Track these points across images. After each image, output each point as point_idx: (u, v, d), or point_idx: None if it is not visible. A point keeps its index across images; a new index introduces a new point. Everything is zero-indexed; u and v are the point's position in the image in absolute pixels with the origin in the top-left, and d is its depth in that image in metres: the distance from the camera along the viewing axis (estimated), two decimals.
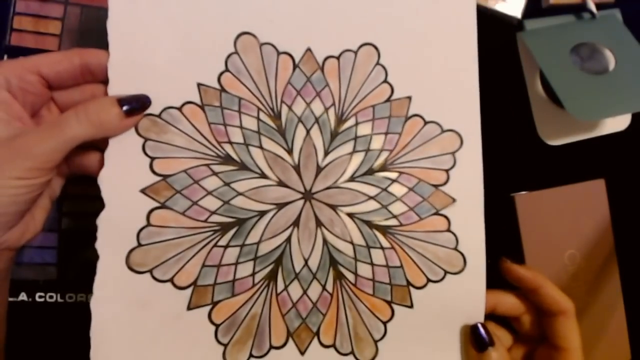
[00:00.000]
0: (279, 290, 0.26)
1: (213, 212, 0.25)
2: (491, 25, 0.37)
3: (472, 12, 0.28)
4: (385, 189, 0.27)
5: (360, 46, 0.27)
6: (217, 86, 0.26)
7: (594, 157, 0.38)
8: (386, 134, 0.27)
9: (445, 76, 0.28)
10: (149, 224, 0.24)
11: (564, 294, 0.29)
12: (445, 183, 0.27)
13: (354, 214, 0.26)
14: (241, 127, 0.26)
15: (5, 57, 0.32)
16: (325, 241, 0.26)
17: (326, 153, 0.26)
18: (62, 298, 0.32)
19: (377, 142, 0.27)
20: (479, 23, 0.32)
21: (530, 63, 0.38)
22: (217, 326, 0.25)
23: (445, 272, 0.27)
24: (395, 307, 0.26)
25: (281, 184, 0.26)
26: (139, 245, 0.24)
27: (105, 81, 0.25)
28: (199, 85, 0.25)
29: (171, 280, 0.25)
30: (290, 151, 0.26)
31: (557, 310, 0.28)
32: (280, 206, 0.26)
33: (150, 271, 0.24)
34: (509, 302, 0.29)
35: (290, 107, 0.26)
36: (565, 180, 0.37)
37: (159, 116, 0.25)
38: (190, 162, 0.25)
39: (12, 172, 0.22)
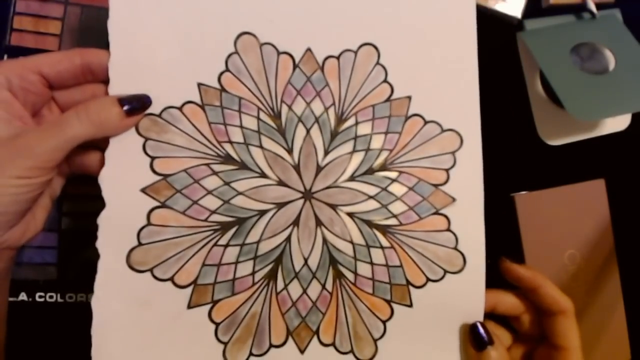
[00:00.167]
0: (278, 289, 0.26)
1: (213, 212, 0.25)
2: (491, 25, 0.37)
3: (472, 12, 0.28)
4: (385, 189, 0.27)
5: (360, 46, 0.27)
6: (218, 86, 0.26)
7: (594, 157, 0.38)
8: (386, 133, 0.27)
9: (445, 76, 0.28)
10: (149, 223, 0.25)
11: (564, 293, 0.29)
12: (445, 182, 0.27)
13: (353, 214, 0.27)
14: (241, 126, 0.26)
15: (6, 57, 0.32)
16: (325, 240, 0.26)
17: (326, 152, 0.27)
18: (62, 298, 0.32)
19: (377, 142, 0.27)
20: (479, 23, 0.32)
21: (530, 63, 0.38)
22: (217, 325, 0.25)
23: (445, 272, 0.27)
24: (394, 306, 0.26)
25: (281, 183, 0.26)
26: (140, 244, 0.25)
27: (106, 81, 0.25)
28: (199, 85, 0.26)
29: (171, 279, 0.25)
30: (290, 151, 0.26)
31: (556, 310, 0.28)
32: (280, 205, 0.26)
33: (151, 270, 0.25)
34: (508, 302, 0.29)
35: (290, 107, 0.26)
36: (565, 180, 0.37)
37: (159, 116, 0.25)
38: (190, 162, 0.25)
39: (13, 171, 0.22)
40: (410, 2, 0.28)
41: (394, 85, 0.27)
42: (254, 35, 0.26)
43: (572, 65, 0.37)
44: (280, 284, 0.26)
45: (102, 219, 0.24)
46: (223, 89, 0.26)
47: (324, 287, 0.26)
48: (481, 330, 0.26)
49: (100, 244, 0.24)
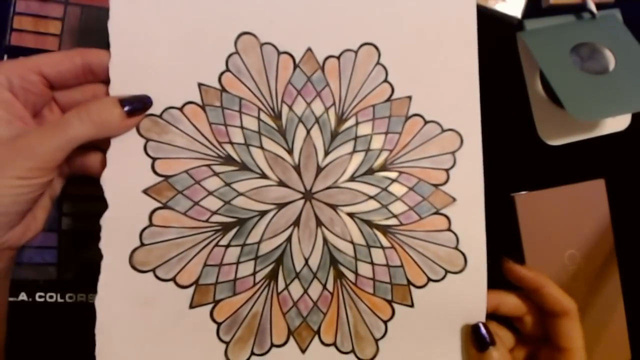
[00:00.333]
0: (279, 290, 0.26)
1: (214, 212, 0.25)
2: (491, 25, 0.37)
3: (472, 12, 0.29)
4: (385, 189, 0.27)
5: (361, 46, 0.27)
6: (218, 86, 0.26)
7: (594, 157, 0.38)
8: (386, 133, 0.27)
9: (445, 75, 0.28)
10: (151, 224, 0.25)
11: (567, 294, 0.29)
12: (445, 182, 0.28)
13: (354, 214, 0.27)
14: (242, 127, 0.26)
15: (6, 57, 0.32)
16: (325, 241, 0.27)
17: (326, 153, 0.27)
18: (62, 298, 0.32)
19: (377, 142, 0.27)
20: (479, 23, 0.32)
21: (530, 63, 0.38)
22: (219, 324, 0.25)
23: (446, 272, 0.27)
24: (395, 306, 0.27)
25: (281, 184, 0.26)
26: (142, 244, 0.25)
27: (106, 81, 0.25)
28: (200, 85, 0.26)
29: (174, 279, 0.25)
30: (290, 151, 0.27)
31: (559, 311, 0.28)
32: (280, 206, 0.26)
33: (153, 270, 0.25)
34: (511, 302, 0.29)
35: (290, 107, 0.27)
36: (565, 180, 0.37)
37: (160, 116, 0.25)
38: (191, 163, 0.25)
39: (14, 172, 0.22)
40: (411, 2, 0.28)
41: (395, 85, 0.28)
42: (254, 35, 0.26)
43: (572, 65, 0.37)
44: (281, 284, 0.26)
45: (105, 220, 0.25)
46: (223, 89, 0.26)
47: (324, 287, 0.26)
48: (483, 330, 0.27)
49: (103, 245, 0.24)
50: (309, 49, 0.27)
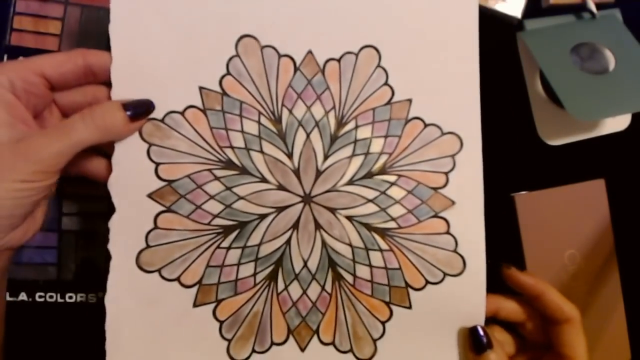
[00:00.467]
0: (279, 290, 0.27)
1: (215, 216, 0.26)
2: (491, 25, 0.37)
3: (474, 15, 0.29)
4: (383, 192, 0.28)
5: (362, 48, 0.28)
6: (219, 90, 0.27)
7: (594, 157, 0.38)
8: (386, 137, 0.28)
9: (446, 79, 0.28)
10: (156, 227, 0.26)
11: (569, 301, 0.29)
12: (444, 186, 0.28)
13: (352, 217, 0.27)
14: (242, 131, 0.27)
15: (5, 57, 0.33)
16: (324, 243, 0.27)
17: (325, 157, 0.27)
18: (62, 298, 0.33)
19: (376, 145, 0.28)
20: (479, 23, 0.33)
21: (530, 63, 0.39)
22: (221, 323, 0.26)
23: (445, 274, 0.28)
24: (393, 307, 0.27)
25: (281, 187, 0.27)
26: (148, 246, 0.26)
27: (106, 82, 0.26)
28: (201, 88, 0.26)
29: (178, 279, 0.26)
30: (290, 155, 0.27)
31: (561, 318, 0.29)
32: (280, 209, 0.27)
33: (159, 270, 0.26)
34: (510, 307, 0.30)
35: (290, 111, 0.27)
36: (565, 180, 0.38)
37: (162, 121, 0.26)
38: (193, 167, 0.26)
39: (18, 176, 0.22)
40: (412, 5, 0.28)
41: (395, 88, 0.28)
42: (255, 38, 0.27)
43: (572, 65, 0.37)
44: (280, 285, 0.27)
45: (113, 223, 0.26)
46: (224, 93, 0.27)
47: (323, 288, 0.27)
48: (481, 333, 0.27)
49: (111, 246, 0.26)
50: (310, 52, 0.27)
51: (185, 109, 0.26)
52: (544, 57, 0.37)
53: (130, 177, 0.26)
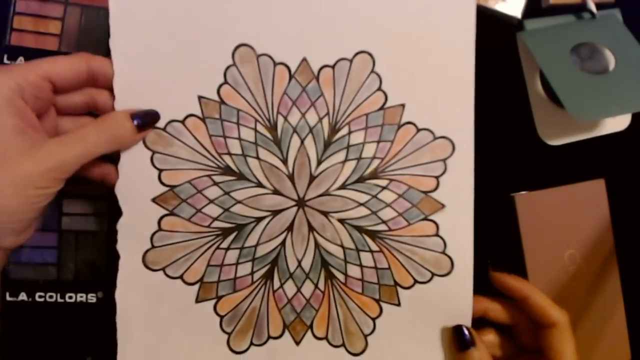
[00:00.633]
0: (275, 288, 0.30)
1: (215, 219, 0.29)
2: (491, 25, 0.39)
3: (471, 19, 0.30)
4: (375, 196, 0.30)
5: (356, 54, 0.30)
6: (217, 98, 0.29)
7: (594, 157, 0.39)
8: (378, 142, 0.30)
9: (440, 84, 0.30)
10: (160, 229, 0.29)
11: (556, 306, 0.31)
12: (435, 189, 0.30)
13: (344, 220, 0.30)
14: (239, 138, 0.30)
15: (5, 57, 0.34)
16: (317, 244, 0.30)
17: (319, 162, 0.30)
18: (62, 298, 0.34)
19: (368, 151, 0.30)
20: (478, 23, 0.34)
21: (530, 63, 0.40)
22: (221, 317, 0.30)
23: (433, 274, 0.30)
24: (383, 305, 0.30)
25: (276, 192, 0.30)
26: (153, 247, 0.29)
27: (105, 87, 0.28)
28: (200, 98, 0.29)
29: (181, 277, 0.29)
30: (285, 161, 0.30)
31: (546, 322, 0.30)
32: (275, 213, 0.30)
33: (163, 269, 0.29)
34: (498, 309, 0.32)
35: (285, 118, 0.30)
36: (565, 180, 0.39)
37: (164, 129, 0.29)
38: (193, 173, 0.29)
39: (35, 182, 0.25)
40: (407, 10, 0.30)
41: (388, 94, 0.30)
42: (251, 47, 0.29)
43: (572, 65, 0.39)
44: (276, 283, 0.30)
45: (121, 226, 0.29)
46: (222, 101, 0.29)
47: (316, 286, 0.30)
48: (465, 331, 0.29)
49: (120, 247, 0.29)
50: (304, 59, 0.30)
51: (186, 117, 0.29)
52: (544, 57, 0.38)
53: (135, 182, 0.29)
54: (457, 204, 0.30)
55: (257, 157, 0.30)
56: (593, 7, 0.40)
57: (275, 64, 0.30)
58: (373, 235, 0.30)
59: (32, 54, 0.33)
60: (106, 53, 0.31)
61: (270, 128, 0.30)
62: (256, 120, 0.30)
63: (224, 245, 0.29)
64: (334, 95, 0.30)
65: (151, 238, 0.29)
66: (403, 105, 0.30)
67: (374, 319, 0.30)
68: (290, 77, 0.30)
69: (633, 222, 0.40)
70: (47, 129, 0.28)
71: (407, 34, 0.30)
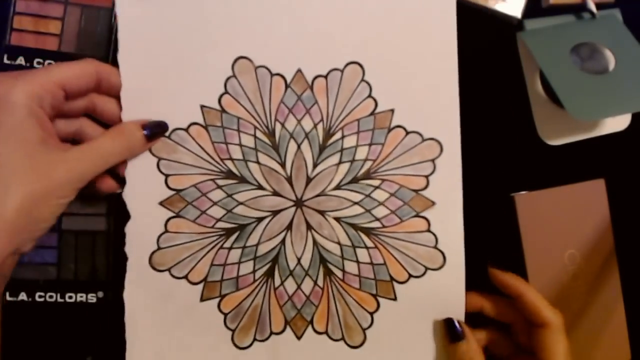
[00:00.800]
0: (276, 285, 0.37)
1: (218, 220, 0.37)
2: (491, 25, 0.47)
3: (452, 28, 0.38)
4: (368, 195, 0.38)
5: (347, 65, 0.38)
6: (218, 107, 0.37)
7: (594, 157, 0.47)
8: (370, 145, 0.38)
9: (426, 89, 0.38)
10: (166, 231, 0.37)
11: (550, 306, 0.37)
12: (425, 188, 0.38)
13: (340, 218, 0.38)
14: (240, 144, 0.37)
15: (5, 57, 0.39)
16: (315, 242, 0.38)
17: (315, 165, 0.38)
18: (62, 298, 0.40)
19: (361, 153, 0.38)
20: (479, 23, 0.42)
21: (530, 63, 0.48)
22: (225, 315, 0.37)
23: (426, 268, 0.38)
24: (380, 299, 0.38)
25: (275, 193, 0.38)
26: (159, 248, 0.37)
27: (107, 93, 0.35)
28: (202, 107, 0.37)
29: (186, 277, 0.37)
30: (283, 164, 0.37)
31: (538, 322, 0.37)
32: (275, 213, 0.37)
33: (169, 269, 0.37)
34: (496, 306, 0.39)
35: (283, 125, 0.37)
36: (565, 180, 0.46)
37: (169, 137, 0.37)
38: (198, 178, 0.37)
39: (64, 192, 0.30)
40: (393, 22, 0.38)
41: (378, 100, 0.38)
42: (250, 59, 0.37)
43: (572, 65, 0.46)
44: (277, 281, 0.37)
45: (128, 228, 0.36)
46: (223, 110, 0.37)
47: (315, 283, 0.37)
48: (456, 324, 0.37)
49: (127, 249, 0.36)
50: (299, 70, 0.38)
51: (189, 125, 0.37)
52: (544, 57, 0.46)
53: (142, 187, 0.37)
54: (446, 201, 0.38)
55: (257, 162, 0.37)
56: (593, 7, 0.47)
57: (272, 74, 0.38)
58: (368, 232, 0.38)
59: (32, 54, 0.39)
60: (106, 53, 0.39)
61: (268, 134, 0.38)
62: (255, 127, 0.38)
63: (227, 244, 0.37)
64: (327, 102, 0.38)
65: (157, 240, 0.37)
66: (392, 110, 0.38)
67: (371, 314, 0.38)
68: (286, 86, 0.38)
69: (633, 222, 0.47)
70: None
71: (393, 45, 0.38)
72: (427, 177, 0.38)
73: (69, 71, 0.32)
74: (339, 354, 0.38)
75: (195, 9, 0.36)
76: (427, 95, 0.38)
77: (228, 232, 0.37)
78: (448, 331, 0.37)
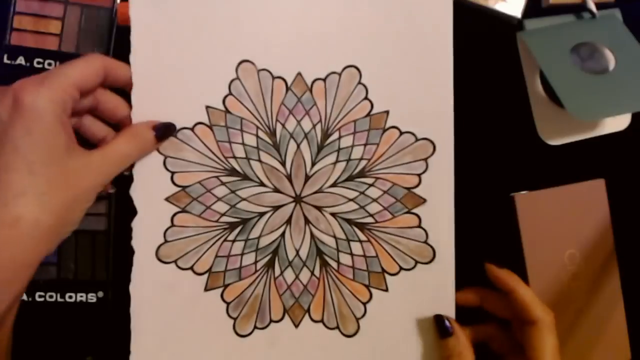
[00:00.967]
0: (276, 275, 0.47)
1: (223, 214, 0.47)
2: (491, 25, 0.56)
3: (448, 32, 0.47)
4: (363, 192, 0.47)
5: (344, 68, 0.47)
6: (223, 108, 0.47)
7: (594, 157, 0.55)
8: (365, 145, 0.47)
9: (421, 91, 0.47)
10: (173, 225, 0.46)
11: (542, 304, 0.44)
12: (417, 186, 0.47)
13: (336, 214, 0.47)
14: (243, 144, 0.47)
15: (5, 56, 0.46)
16: (312, 236, 0.47)
17: (313, 163, 0.47)
18: (62, 298, 0.46)
19: (357, 152, 0.47)
20: (479, 23, 0.51)
21: (530, 63, 0.56)
22: (227, 304, 0.47)
23: (416, 262, 0.47)
24: (372, 290, 0.47)
25: (276, 190, 0.47)
26: (166, 241, 0.46)
27: (110, 86, 0.44)
28: (207, 107, 0.47)
29: (191, 268, 0.47)
30: (283, 163, 0.47)
31: (527, 318, 0.44)
32: (275, 208, 0.47)
33: (175, 261, 0.47)
34: (495, 302, 0.47)
35: (283, 125, 0.47)
36: (565, 180, 0.55)
37: (175, 136, 0.47)
38: (203, 175, 0.46)
39: (91, 197, 0.39)
40: (389, 27, 0.47)
41: (374, 102, 0.48)
42: (252, 63, 0.47)
43: (572, 65, 0.54)
44: (277, 271, 0.47)
45: (135, 223, 0.46)
46: (227, 111, 0.47)
47: (312, 273, 0.47)
48: (445, 321, 0.45)
49: (134, 242, 0.46)
50: (299, 74, 0.47)
51: (195, 125, 0.47)
52: (544, 57, 0.54)
53: (149, 184, 0.47)
54: (437, 199, 0.47)
55: (259, 160, 0.47)
56: (593, 7, 0.55)
57: (273, 77, 0.48)
58: (362, 227, 0.48)
59: (32, 54, 0.47)
60: (106, 53, 0.48)
61: (270, 134, 0.48)
62: (257, 127, 0.48)
63: (231, 237, 0.47)
64: (326, 104, 0.48)
65: (164, 233, 0.47)
66: (387, 112, 0.48)
67: (364, 304, 0.47)
68: (287, 89, 0.48)
69: (633, 222, 0.55)
70: None
71: (389, 50, 0.47)
72: (419, 175, 0.48)
73: (83, 70, 0.39)
74: (333, 343, 0.47)
75: (202, 16, 0.46)
76: (422, 97, 0.48)
77: (232, 226, 0.48)
78: (437, 327, 0.46)
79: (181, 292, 0.47)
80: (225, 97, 0.47)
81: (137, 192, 0.47)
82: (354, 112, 0.48)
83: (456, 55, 0.50)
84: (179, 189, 0.47)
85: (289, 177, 0.47)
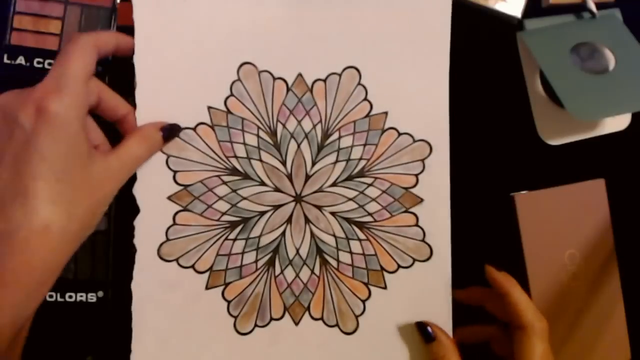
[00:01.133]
0: (276, 274, 0.53)
1: (224, 213, 0.53)
2: (491, 25, 0.62)
3: (446, 35, 0.54)
4: (362, 192, 0.54)
5: (344, 69, 0.54)
6: (224, 109, 0.53)
7: (594, 157, 0.62)
8: (364, 145, 0.54)
9: (418, 93, 0.54)
10: (174, 223, 0.53)
11: (535, 310, 0.49)
12: (414, 186, 0.54)
13: (336, 213, 0.54)
14: (244, 143, 0.53)
15: (5, 56, 0.49)
16: (312, 234, 0.54)
17: (313, 163, 0.54)
18: (62, 297, 0.49)
19: (356, 153, 0.54)
20: (479, 23, 0.58)
21: (530, 63, 0.62)
22: (228, 302, 0.53)
23: (414, 260, 0.54)
24: (371, 288, 0.53)
25: (277, 189, 0.54)
26: (167, 239, 0.52)
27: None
28: (209, 108, 0.53)
29: (193, 266, 0.53)
30: (284, 162, 0.54)
31: (517, 323, 0.49)
32: (276, 207, 0.54)
33: (177, 260, 0.53)
34: (497, 303, 0.52)
35: (284, 125, 0.53)
36: (565, 180, 0.61)
37: (177, 136, 0.53)
38: (204, 174, 0.53)
39: (109, 201, 0.44)
40: (388, 29, 0.54)
41: (373, 103, 0.54)
42: (254, 64, 0.53)
43: (572, 65, 0.60)
44: (277, 270, 0.53)
45: (138, 221, 0.52)
46: (229, 111, 0.53)
47: (312, 271, 0.53)
48: (426, 327, 0.51)
49: (137, 241, 0.52)
50: (300, 74, 0.54)
51: (197, 125, 0.53)
52: (544, 57, 0.60)
53: (152, 183, 0.52)
54: (434, 198, 0.54)
55: (260, 160, 0.53)
56: (593, 7, 0.62)
57: (274, 78, 0.54)
58: (361, 225, 0.54)
59: (32, 54, 0.52)
60: None
61: (270, 134, 0.53)
62: (258, 128, 0.53)
63: (232, 236, 0.53)
64: (326, 105, 0.54)
65: (166, 232, 0.52)
66: (386, 113, 0.54)
67: (364, 301, 0.54)
68: (288, 90, 0.54)
69: (633, 222, 0.62)
70: None
71: (388, 51, 0.54)
72: (416, 175, 0.54)
73: (84, 62, 0.43)
74: (333, 340, 0.54)
75: (204, 18, 0.53)
76: (419, 99, 0.54)
77: (233, 225, 0.53)
78: (420, 333, 0.52)
79: (182, 291, 0.53)
80: (227, 98, 0.53)
81: (140, 191, 0.52)
82: (354, 112, 0.54)
83: (456, 55, 0.55)
84: (181, 187, 0.52)
85: (289, 177, 0.53)
